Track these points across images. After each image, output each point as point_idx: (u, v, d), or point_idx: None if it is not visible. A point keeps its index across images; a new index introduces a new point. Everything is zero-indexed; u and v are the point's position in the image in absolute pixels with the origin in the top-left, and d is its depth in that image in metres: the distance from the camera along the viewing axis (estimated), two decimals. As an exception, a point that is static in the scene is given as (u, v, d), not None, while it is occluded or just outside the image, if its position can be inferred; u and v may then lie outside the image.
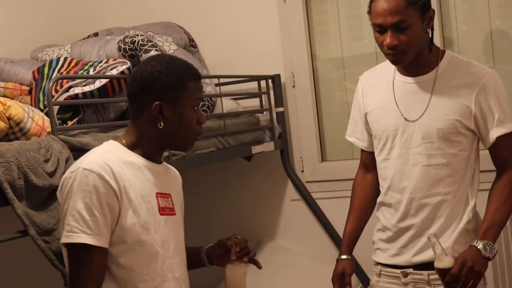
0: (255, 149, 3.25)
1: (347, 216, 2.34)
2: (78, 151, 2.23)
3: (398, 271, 2.20)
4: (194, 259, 2.05)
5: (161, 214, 1.84)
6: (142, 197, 1.79)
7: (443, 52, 2.15)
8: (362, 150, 2.35)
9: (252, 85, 3.51)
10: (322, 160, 3.60)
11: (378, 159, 2.23)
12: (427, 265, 2.12)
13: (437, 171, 2.10)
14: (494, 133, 2.08)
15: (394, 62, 2.10)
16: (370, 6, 2.06)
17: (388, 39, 2.00)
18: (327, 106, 3.61)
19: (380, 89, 2.20)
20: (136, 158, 1.82)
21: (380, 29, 2.02)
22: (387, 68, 2.20)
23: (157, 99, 1.79)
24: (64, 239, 1.70)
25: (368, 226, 2.34)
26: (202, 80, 3.10)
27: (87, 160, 1.74)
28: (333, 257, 2.42)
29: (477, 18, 3.27)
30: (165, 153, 2.60)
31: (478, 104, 2.06)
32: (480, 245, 2.01)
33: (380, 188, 2.26)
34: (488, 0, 3.18)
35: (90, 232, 1.68)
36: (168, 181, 1.96)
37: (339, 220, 2.42)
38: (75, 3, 3.83)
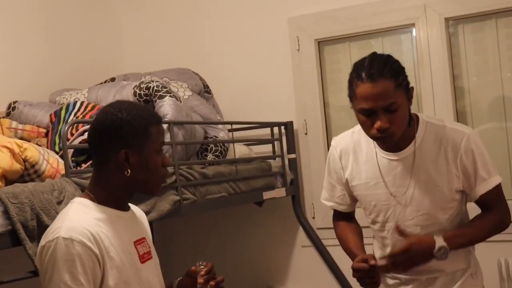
0: (266, 194, 3.27)
1: (344, 241, 2.28)
2: (91, 193, 2.26)
3: None
4: None
5: (142, 262, 1.85)
6: (122, 251, 1.78)
7: (417, 119, 2.12)
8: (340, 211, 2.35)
9: (265, 131, 3.55)
10: (334, 208, 3.60)
11: (373, 226, 2.25)
12: None
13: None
14: (478, 192, 2.10)
15: (383, 143, 2.09)
16: (352, 90, 2.00)
17: (379, 122, 1.96)
18: (339, 154, 3.63)
19: (364, 164, 2.18)
20: (108, 212, 1.79)
21: (367, 112, 1.98)
22: (364, 139, 2.16)
23: (122, 147, 1.76)
24: None
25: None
26: (216, 126, 3.20)
27: (64, 228, 1.68)
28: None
29: (488, 71, 3.31)
30: (176, 197, 2.63)
31: (462, 167, 2.07)
32: (439, 243, 2.01)
33: (380, 249, 2.26)
34: (500, 53, 3.22)
35: None
36: (139, 224, 1.96)
37: (349, 267, 2.40)
38: (95, 48, 3.93)
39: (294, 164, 3.55)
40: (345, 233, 2.31)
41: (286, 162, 3.51)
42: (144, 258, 1.86)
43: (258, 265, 3.74)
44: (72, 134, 2.54)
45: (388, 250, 2.20)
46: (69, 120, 2.76)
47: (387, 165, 2.12)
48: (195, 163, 2.94)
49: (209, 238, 3.88)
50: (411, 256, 2.01)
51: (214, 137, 3.15)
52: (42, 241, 1.71)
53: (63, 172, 2.31)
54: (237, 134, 3.44)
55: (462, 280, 2.17)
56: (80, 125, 2.57)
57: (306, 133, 3.62)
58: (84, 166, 2.50)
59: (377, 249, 2.28)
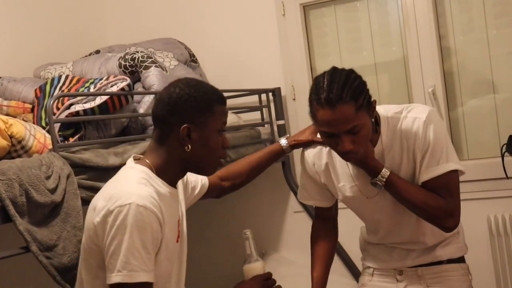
0: (257, 162, 3.27)
1: (312, 263, 2.33)
2: (79, 167, 2.26)
3: (393, 270, 2.26)
4: None
5: (176, 241, 1.88)
6: (171, 229, 1.82)
7: (378, 118, 2.09)
8: (318, 207, 2.37)
9: (253, 99, 3.54)
10: (324, 172, 3.62)
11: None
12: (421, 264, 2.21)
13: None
14: (421, 178, 2.06)
15: (347, 160, 2.08)
16: (312, 112, 1.95)
17: (343, 145, 1.92)
18: (328, 118, 3.62)
19: (339, 168, 2.19)
20: (165, 188, 1.82)
21: (329, 135, 1.95)
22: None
23: (185, 121, 1.78)
24: (126, 278, 1.66)
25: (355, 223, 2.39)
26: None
27: (136, 195, 1.69)
28: (336, 268, 2.45)
29: (474, 29, 3.30)
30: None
31: (419, 154, 2.05)
32: (384, 172, 2.04)
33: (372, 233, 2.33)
34: (485, 10, 3.20)
35: (147, 269, 1.69)
36: (179, 202, 1.98)
37: (341, 231, 2.43)
38: (78, 20, 3.88)
39: (283, 130, 3.54)
40: (315, 252, 2.33)
41: (275, 128, 3.51)
42: (179, 236, 1.90)
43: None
44: (58, 108, 2.52)
45: (379, 234, 2.27)
46: (54, 94, 2.73)
47: (358, 169, 2.13)
48: (184, 133, 2.92)
49: (200, 206, 3.89)
50: None
51: (201, 106, 3.14)
52: (109, 205, 1.69)
53: (50, 147, 2.30)
54: (225, 103, 3.44)
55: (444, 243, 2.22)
56: (66, 98, 2.55)
57: (294, 99, 3.61)
58: (71, 140, 2.49)
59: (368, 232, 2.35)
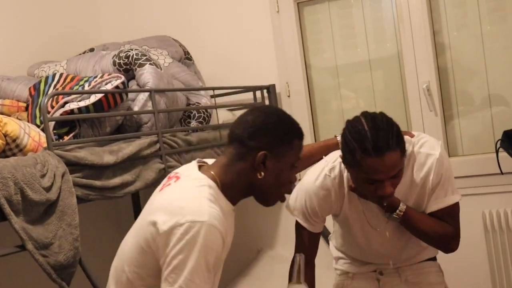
0: (252, 158, 3.27)
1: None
2: (74, 165, 2.26)
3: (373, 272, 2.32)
4: None
5: None
6: (227, 249, 1.81)
7: None
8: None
9: (248, 96, 3.53)
10: (320, 167, 3.62)
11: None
12: None
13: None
14: (430, 208, 2.16)
15: (383, 203, 2.10)
16: (355, 161, 1.94)
17: (385, 189, 1.96)
18: (322, 114, 3.63)
19: (347, 203, 2.20)
20: (228, 207, 1.81)
21: (373, 181, 1.96)
22: (346, 180, 2.16)
23: (264, 148, 1.78)
24: None
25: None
26: (198, 92, 3.19)
27: (208, 214, 1.67)
28: (332, 265, 2.45)
29: (468, 24, 3.30)
30: (161, 165, 2.63)
31: (431, 186, 2.13)
32: (402, 206, 2.11)
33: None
34: (479, 5, 3.21)
35: None
36: None
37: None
38: (72, 20, 3.87)
39: (277, 126, 3.54)
40: (302, 249, 2.28)
41: (270, 125, 3.50)
42: None
43: (246, 229, 3.75)
44: (52, 107, 2.51)
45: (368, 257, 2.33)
46: (48, 93, 2.73)
47: (367, 203, 2.16)
48: (179, 130, 2.92)
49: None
50: None
51: (196, 104, 3.14)
52: (178, 217, 1.66)
53: (45, 145, 2.30)
54: (219, 100, 3.43)
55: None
56: (60, 97, 2.54)
57: (289, 96, 3.61)
58: (66, 138, 2.48)
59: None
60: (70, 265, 2.07)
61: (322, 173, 2.18)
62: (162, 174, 2.63)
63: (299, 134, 1.87)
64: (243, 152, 1.79)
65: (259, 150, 1.77)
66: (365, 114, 2.01)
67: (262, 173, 1.79)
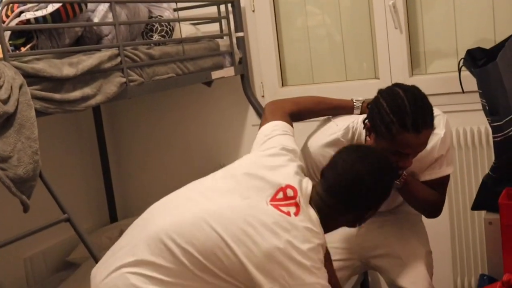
0: (215, 74, 3.23)
1: None
2: (32, 77, 2.20)
3: None
4: None
5: None
6: None
7: None
8: None
9: (211, 10, 3.46)
10: (283, 85, 3.61)
11: None
12: None
13: None
14: (423, 177, 2.26)
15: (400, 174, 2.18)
16: (389, 134, 2.00)
17: (406, 162, 2.06)
18: (287, 31, 3.58)
19: None
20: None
21: (400, 154, 2.04)
22: None
23: (371, 208, 1.94)
24: None
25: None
26: (160, 5, 3.10)
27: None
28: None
29: None
30: (122, 79, 2.58)
31: (430, 161, 2.23)
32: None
33: None
34: None
35: None
36: None
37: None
38: None
39: (242, 43, 3.49)
40: None
41: (234, 41, 3.45)
42: None
43: (209, 144, 3.76)
44: (7, 16, 2.42)
45: None
46: (3, 1, 2.61)
47: None
48: (140, 43, 2.86)
49: (159, 120, 3.87)
50: None
51: (159, 17, 3.06)
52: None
53: (1, 56, 2.22)
54: (182, 13, 3.35)
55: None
56: (16, 5, 2.44)
57: (253, 10, 3.54)
58: (23, 49, 2.41)
59: None
60: (30, 178, 2.04)
61: (333, 136, 2.24)
62: (124, 88, 2.59)
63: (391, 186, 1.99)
64: (348, 207, 1.91)
65: (367, 208, 1.93)
66: (403, 87, 2.06)
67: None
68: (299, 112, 2.27)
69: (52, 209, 2.28)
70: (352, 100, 2.32)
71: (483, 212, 2.69)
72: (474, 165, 3.10)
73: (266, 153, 2.03)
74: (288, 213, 1.80)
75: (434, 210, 2.33)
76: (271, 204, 1.82)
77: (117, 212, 3.95)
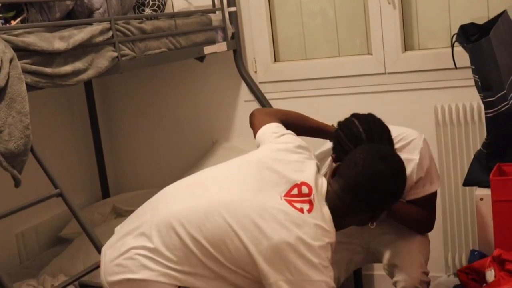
0: (207, 49, 3.21)
1: None
2: (23, 51, 2.18)
3: None
4: None
5: None
6: None
7: None
8: None
9: (204, -16, 3.43)
10: (275, 61, 3.59)
11: None
12: None
13: None
14: (406, 197, 2.31)
15: None
16: None
17: None
18: (280, 6, 3.56)
19: None
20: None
21: None
22: None
23: (383, 209, 1.99)
24: None
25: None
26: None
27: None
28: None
29: None
30: (114, 53, 2.56)
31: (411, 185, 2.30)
32: None
33: None
34: None
35: None
36: None
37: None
38: None
39: (234, 18, 3.47)
40: None
41: (227, 15, 3.43)
42: None
43: (201, 120, 3.75)
44: (-3, -11, 2.39)
45: None
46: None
47: None
48: (132, 17, 2.83)
49: (151, 95, 3.85)
50: None
51: (151, -10, 3.03)
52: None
53: (-9, 29, 2.19)
54: (174, -13, 3.33)
55: None
56: (6, -22, 2.41)
57: (246, -15, 3.52)
58: (13, 22, 2.38)
59: None
60: (21, 153, 2.03)
61: None
62: (116, 63, 2.57)
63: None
64: (360, 206, 1.94)
65: (380, 208, 1.97)
66: (357, 116, 2.17)
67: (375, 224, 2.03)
68: (287, 123, 2.26)
69: (44, 184, 2.28)
70: (332, 126, 2.33)
71: (475, 188, 2.70)
72: (466, 141, 3.11)
73: (282, 147, 2.04)
74: (301, 210, 1.83)
75: (423, 227, 2.40)
76: (285, 199, 1.85)
77: (109, 188, 3.95)
